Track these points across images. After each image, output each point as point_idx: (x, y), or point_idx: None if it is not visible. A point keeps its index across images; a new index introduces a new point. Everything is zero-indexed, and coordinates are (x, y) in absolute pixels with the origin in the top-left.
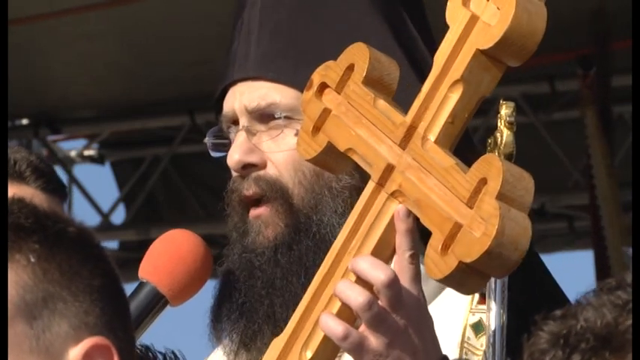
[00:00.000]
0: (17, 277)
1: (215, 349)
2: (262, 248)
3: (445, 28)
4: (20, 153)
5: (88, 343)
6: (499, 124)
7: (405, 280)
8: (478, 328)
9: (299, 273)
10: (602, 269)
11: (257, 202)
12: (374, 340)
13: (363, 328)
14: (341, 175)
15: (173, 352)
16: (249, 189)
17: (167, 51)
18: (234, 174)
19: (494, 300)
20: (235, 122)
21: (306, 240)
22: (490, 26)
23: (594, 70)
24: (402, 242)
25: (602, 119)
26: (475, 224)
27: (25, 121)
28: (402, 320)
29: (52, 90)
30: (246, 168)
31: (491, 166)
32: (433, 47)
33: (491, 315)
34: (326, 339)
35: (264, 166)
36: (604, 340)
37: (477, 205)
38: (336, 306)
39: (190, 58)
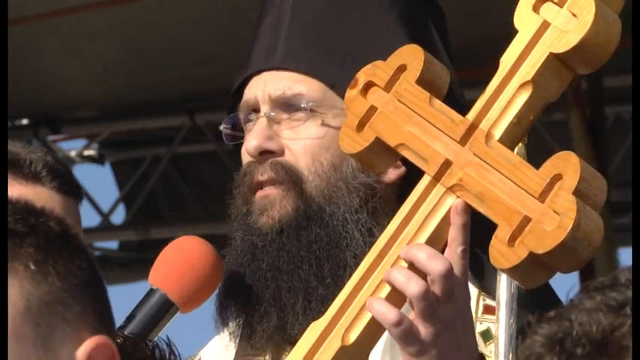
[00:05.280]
0: (20, 286)
1: (215, 336)
2: (266, 229)
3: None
4: (36, 153)
5: (90, 344)
6: None
7: (456, 274)
8: (486, 336)
9: (309, 261)
10: (586, 269)
11: (267, 185)
12: (423, 330)
13: (413, 316)
14: (357, 173)
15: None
16: (265, 174)
17: (167, 51)
18: (247, 159)
19: (504, 310)
20: (255, 110)
21: (316, 228)
22: (567, 31)
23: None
24: (456, 236)
25: (586, 122)
26: (546, 218)
27: (25, 121)
28: (451, 312)
29: (52, 90)
30: (263, 154)
31: (568, 163)
32: (452, 60)
33: (501, 326)
34: (371, 323)
35: (281, 153)
36: (600, 346)
37: (550, 199)
38: (384, 292)
39: (190, 59)
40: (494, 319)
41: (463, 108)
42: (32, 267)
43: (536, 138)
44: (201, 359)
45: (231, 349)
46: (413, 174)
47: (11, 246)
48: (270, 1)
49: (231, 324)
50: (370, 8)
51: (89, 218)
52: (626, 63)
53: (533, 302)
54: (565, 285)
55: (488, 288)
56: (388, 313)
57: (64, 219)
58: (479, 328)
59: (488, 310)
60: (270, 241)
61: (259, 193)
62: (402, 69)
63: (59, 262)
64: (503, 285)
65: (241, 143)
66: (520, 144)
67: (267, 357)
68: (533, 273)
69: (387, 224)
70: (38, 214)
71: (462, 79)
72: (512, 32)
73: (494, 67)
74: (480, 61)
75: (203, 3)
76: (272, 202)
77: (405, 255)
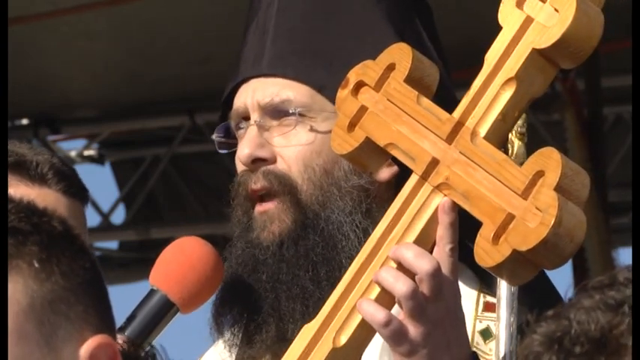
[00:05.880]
0: (24, 284)
1: (213, 345)
2: (267, 243)
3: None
4: (43, 155)
5: (92, 343)
6: (510, 135)
7: (445, 272)
8: (486, 334)
9: (306, 267)
10: (580, 270)
11: (264, 197)
12: (413, 330)
13: (402, 316)
14: (349, 175)
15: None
16: (258, 183)
17: (167, 50)
18: (241, 168)
19: (504, 308)
20: (246, 118)
21: (314, 235)
22: (549, 27)
23: (574, 73)
24: (443, 234)
25: (581, 122)
26: (529, 215)
27: (25, 121)
28: (440, 311)
29: (52, 90)
30: (256, 162)
31: (550, 159)
32: (443, 57)
33: (501, 324)
34: (362, 325)
35: (273, 161)
36: (599, 345)
37: (533, 196)
38: (374, 293)
39: (190, 58)
40: (494, 316)
41: (454, 104)
42: (36, 265)
43: (535, 138)
44: None
45: (229, 356)
46: (407, 172)
47: (15, 244)
48: (256, 8)
49: (227, 332)
50: (356, 9)
51: (89, 218)
52: (626, 63)
53: (534, 300)
54: (561, 286)
55: (490, 285)
56: (377, 314)
57: (66, 219)
58: (479, 326)
59: (489, 307)
60: (271, 254)
61: (258, 209)
62: (391, 68)
63: (62, 262)
64: (504, 283)
65: (235, 151)
66: (520, 143)
67: None
68: (518, 270)
69: None
70: (41, 214)
71: (458, 79)
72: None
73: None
74: (474, 61)
75: (203, 3)
76: (271, 218)
77: (392, 255)
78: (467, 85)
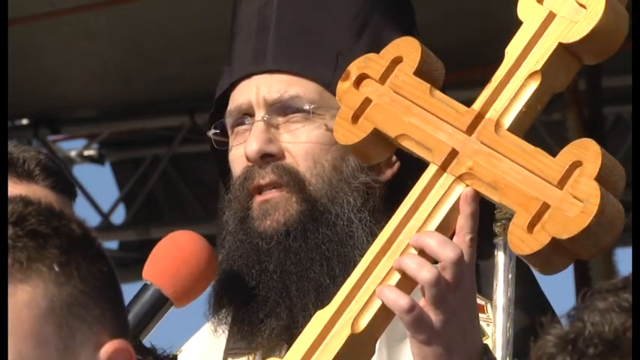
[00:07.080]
0: (44, 287)
1: (198, 332)
2: (271, 232)
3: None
4: (29, 152)
5: (110, 347)
6: None
7: (465, 262)
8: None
9: (320, 262)
10: (582, 273)
11: (264, 189)
12: (434, 317)
13: (423, 303)
14: (357, 173)
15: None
16: (266, 177)
17: (167, 51)
18: (244, 165)
19: (501, 314)
20: (248, 114)
21: (324, 229)
22: (576, 22)
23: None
24: (464, 224)
25: (583, 122)
26: (566, 204)
27: (25, 121)
28: (459, 301)
29: (52, 90)
30: (264, 158)
31: (588, 150)
32: None
33: (498, 329)
34: (381, 311)
35: (282, 156)
36: (612, 346)
37: (570, 186)
38: (393, 280)
39: (190, 58)
40: (483, 317)
41: None
42: (56, 269)
43: (535, 138)
44: (183, 353)
45: (219, 345)
46: (406, 172)
47: (35, 247)
48: (248, 6)
49: (223, 321)
50: (356, 5)
51: (89, 218)
52: (626, 63)
53: (526, 306)
54: (562, 285)
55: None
56: (400, 300)
57: (83, 222)
58: None
59: (478, 308)
60: (275, 243)
61: (259, 198)
62: (397, 61)
63: (82, 265)
64: (500, 289)
65: (227, 149)
66: None
67: (257, 354)
68: (554, 259)
69: (384, 222)
70: (60, 217)
71: (458, 79)
72: (506, 32)
73: (487, 67)
74: (474, 61)
75: (203, 3)
76: (275, 206)
77: (415, 242)
78: (467, 85)
